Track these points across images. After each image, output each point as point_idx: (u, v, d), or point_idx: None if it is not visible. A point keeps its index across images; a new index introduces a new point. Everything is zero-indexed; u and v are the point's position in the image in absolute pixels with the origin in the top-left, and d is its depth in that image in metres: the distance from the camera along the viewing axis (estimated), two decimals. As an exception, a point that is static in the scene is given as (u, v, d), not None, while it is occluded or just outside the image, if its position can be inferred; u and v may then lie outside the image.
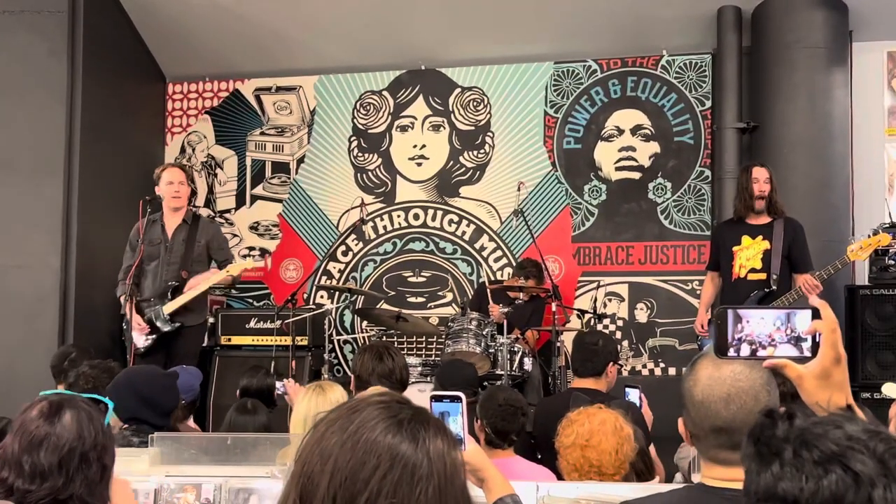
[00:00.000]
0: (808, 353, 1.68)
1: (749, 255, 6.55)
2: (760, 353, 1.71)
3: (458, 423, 2.24)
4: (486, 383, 6.50)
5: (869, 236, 6.53)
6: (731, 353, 1.73)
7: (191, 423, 5.48)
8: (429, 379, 6.70)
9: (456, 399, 2.24)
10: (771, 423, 1.30)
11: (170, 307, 6.68)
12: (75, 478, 2.34)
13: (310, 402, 4.12)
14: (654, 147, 8.26)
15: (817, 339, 1.67)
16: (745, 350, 1.72)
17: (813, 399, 1.64)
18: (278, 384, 5.85)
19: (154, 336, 6.68)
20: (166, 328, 6.68)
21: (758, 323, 1.71)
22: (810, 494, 1.22)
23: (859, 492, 1.20)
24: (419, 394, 5.89)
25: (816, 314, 1.68)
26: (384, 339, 7.85)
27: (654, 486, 3.08)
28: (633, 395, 5.07)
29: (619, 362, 5.81)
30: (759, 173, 6.55)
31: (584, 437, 3.65)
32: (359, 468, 1.35)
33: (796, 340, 1.69)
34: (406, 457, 1.36)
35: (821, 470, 1.22)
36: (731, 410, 2.09)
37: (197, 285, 6.70)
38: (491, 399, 4.43)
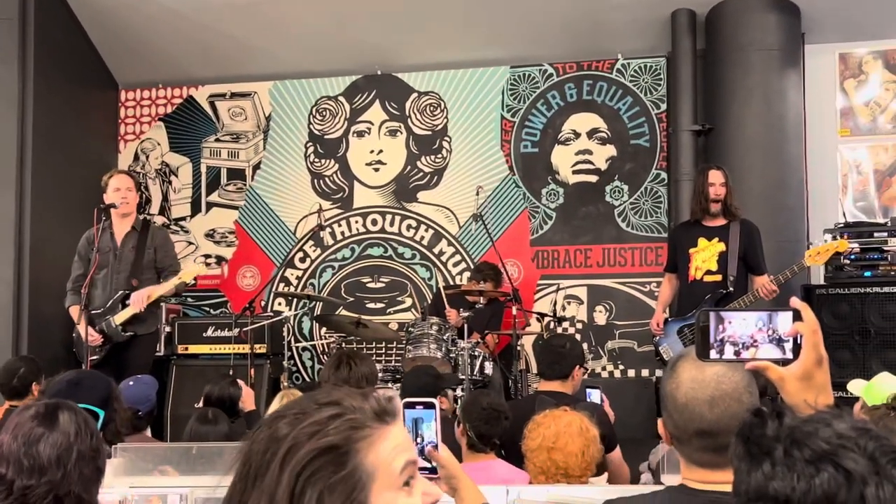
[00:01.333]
0: (789, 355, 1.68)
1: (705, 257, 6.59)
2: (743, 354, 1.70)
3: (431, 430, 2.21)
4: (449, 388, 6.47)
5: (826, 241, 6.60)
6: (714, 354, 1.72)
7: (147, 434, 5.40)
8: (390, 384, 6.67)
9: (429, 406, 2.22)
10: (760, 421, 1.29)
11: (120, 317, 6.57)
12: (72, 473, 2.35)
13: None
14: (611, 150, 8.30)
15: (799, 341, 1.67)
16: (729, 352, 1.71)
17: (795, 401, 1.63)
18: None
19: (107, 346, 6.59)
20: (118, 339, 6.58)
21: (740, 324, 1.70)
22: (802, 494, 1.21)
23: (851, 490, 1.19)
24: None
25: (798, 316, 1.67)
26: (343, 346, 7.80)
27: (630, 488, 3.08)
28: (595, 395, 5.10)
29: (585, 365, 5.83)
30: (715, 177, 6.59)
31: (551, 439, 3.65)
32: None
33: (778, 342, 1.68)
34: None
35: (812, 469, 1.21)
36: (715, 413, 2.08)
37: (148, 296, 6.58)
38: (474, 403, 4.41)
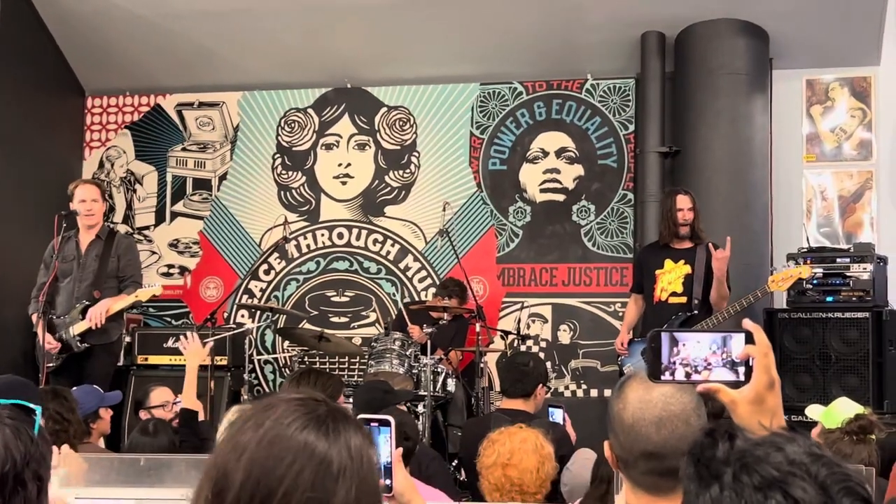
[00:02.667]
0: (742, 378, 1.66)
1: (671, 278, 6.62)
2: (695, 377, 1.68)
3: (386, 447, 2.17)
4: (408, 405, 6.43)
5: (789, 267, 6.63)
6: (666, 376, 1.70)
7: (100, 443, 5.33)
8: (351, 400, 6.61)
9: (384, 423, 2.18)
10: (711, 442, 1.27)
11: (78, 328, 6.51)
12: (13, 502, 2.24)
13: None
14: (579, 170, 8.31)
15: (751, 364, 1.65)
16: (680, 374, 1.69)
17: (747, 424, 1.61)
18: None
19: (64, 355, 6.51)
20: (76, 349, 6.51)
21: (694, 346, 1.68)
22: None
23: None
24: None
25: (750, 338, 1.66)
26: (306, 360, 7.75)
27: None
28: (558, 414, 5.10)
29: (548, 384, 5.82)
30: (683, 202, 6.63)
31: (506, 455, 3.63)
32: (275, 464, 1.33)
33: (732, 365, 1.67)
34: (321, 452, 1.34)
35: (761, 496, 1.19)
36: (662, 435, 2.03)
37: (106, 310, 6.51)
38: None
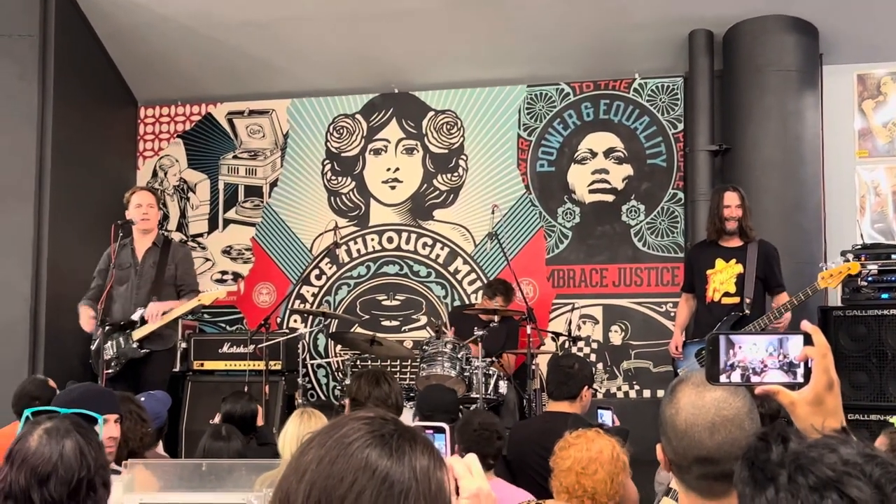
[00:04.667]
0: (800, 379, 1.66)
1: (723, 278, 6.57)
2: (753, 379, 1.69)
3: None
4: (461, 407, 6.46)
5: (838, 264, 6.56)
6: (724, 379, 1.70)
7: (160, 450, 5.41)
8: (406, 403, 6.65)
9: (439, 430, 2.21)
10: (765, 446, 1.28)
11: (138, 333, 6.62)
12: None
13: (298, 427, 4.15)
14: (627, 170, 8.28)
15: (809, 365, 1.66)
16: (737, 376, 1.69)
17: (805, 425, 1.62)
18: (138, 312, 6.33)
19: (122, 361, 6.62)
20: (133, 355, 6.61)
21: (750, 349, 1.69)
22: None
23: None
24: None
25: (808, 340, 1.66)
26: (359, 364, 7.81)
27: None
28: (606, 416, 5.08)
29: (594, 386, 5.80)
30: (731, 198, 6.59)
31: (582, 463, 3.66)
32: (335, 484, 1.29)
33: (789, 366, 1.67)
34: (383, 471, 1.30)
35: (817, 496, 1.20)
36: (715, 440, 2.03)
37: (164, 311, 6.62)
38: (467, 424, 4.47)
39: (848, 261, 6.61)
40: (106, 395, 3.88)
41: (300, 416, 4.32)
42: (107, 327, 6.59)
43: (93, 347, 6.72)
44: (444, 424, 2.23)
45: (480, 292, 8.22)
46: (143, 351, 6.62)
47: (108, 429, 3.60)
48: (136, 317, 6.65)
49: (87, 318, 6.70)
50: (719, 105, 7.84)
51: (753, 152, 7.47)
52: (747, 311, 6.42)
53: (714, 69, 7.86)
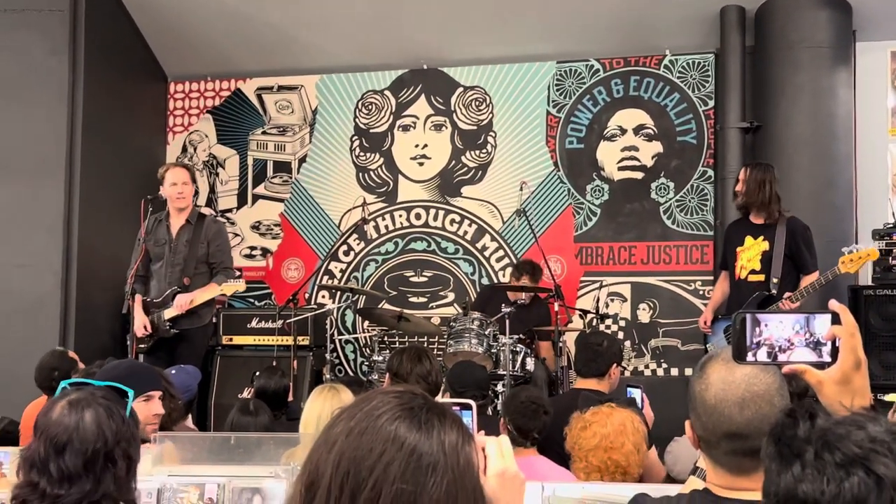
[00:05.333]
0: (827, 358, 1.66)
1: (750, 255, 6.52)
2: (780, 357, 1.68)
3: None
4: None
5: (859, 249, 6.46)
6: (750, 357, 1.70)
7: (189, 423, 5.47)
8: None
9: (466, 407, 2.21)
10: (792, 422, 1.28)
11: (169, 313, 6.69)
12: (104, 478, 2.33)
13: (323, 403, 4.17)
14: (657, 147, 8.23)
15: (837, 344, 1.65)
16: (763, 354, 1.69)
17: (832, 404, 1.61)
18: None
19: (155, 338, 6.70)
20: (164, 334, 6.68)
21: (776, 327, 1.68)
22: (831, 497, 1.19)
23: (882, 495, 1.17)
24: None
25: (836, 319, 1.65)
26: (386, 340, 7.85)
27: (660, 487, 3.05)
28: (636, 394, 5.06)
29: (622, 364, 5.80)
30: (741, 173, 6.57)
31: (609, 439, 3.69)
32: (364, 455, 1.32)
33: (815, 345, 1.66)
34: (414, 445, 1.32)
35: (843, 472, 1.20)
36: (745, 416, 2.03)
37: (191, 300, 6.68)
38: (514, 397, 4.51)
39: (881, 238, 6.54)
40: (150, 372, 3.94)
41: (322, 392, 4.31)
42: (146, 300, 6.69)
43: (131, 324, 6.77)
44: (471, 401, 2.23)
45: (509, 270, 8.22)
46: (172, 331, 6.68)
47: (153, 405, 3.67)
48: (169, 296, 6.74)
49: (137, 308, 6.74)
50: (751, 82, 7.76)
51: (785, 130, 7.41)
52: (773, 291, 6.35)
53: (745, 45, 7.78)
